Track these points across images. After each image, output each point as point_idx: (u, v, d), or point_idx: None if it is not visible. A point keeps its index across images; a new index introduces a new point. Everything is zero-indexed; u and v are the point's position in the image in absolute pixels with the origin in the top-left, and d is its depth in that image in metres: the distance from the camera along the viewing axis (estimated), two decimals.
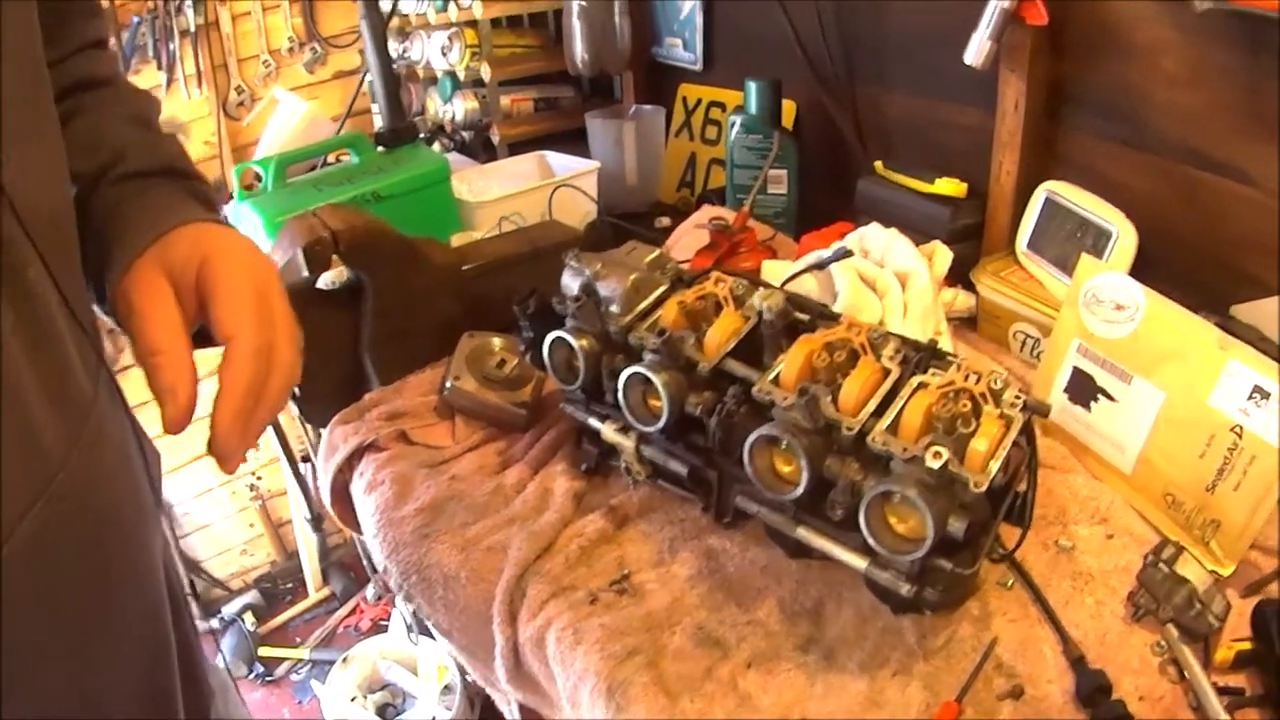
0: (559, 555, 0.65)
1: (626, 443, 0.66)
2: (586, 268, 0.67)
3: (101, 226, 0.47)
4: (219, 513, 2.14)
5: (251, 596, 2.15)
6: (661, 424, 0.60)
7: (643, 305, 0.65)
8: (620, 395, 0.62)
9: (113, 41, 1.70)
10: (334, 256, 0.82)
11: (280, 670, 2.03)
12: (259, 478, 2.15)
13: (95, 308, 0.47)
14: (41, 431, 0.37)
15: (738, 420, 0.57)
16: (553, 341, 0.66)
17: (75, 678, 0.42)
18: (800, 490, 0.53)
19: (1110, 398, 0.69)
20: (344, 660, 1.80)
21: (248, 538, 2.22)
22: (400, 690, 1.80)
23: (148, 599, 0.48)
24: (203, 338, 0.46)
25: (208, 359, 0.45)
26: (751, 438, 0.54)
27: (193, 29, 1.74)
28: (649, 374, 0.59)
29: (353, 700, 1.75)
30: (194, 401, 0.42)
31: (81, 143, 0.48)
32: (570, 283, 0.69)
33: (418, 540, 0.70)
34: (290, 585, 2.23)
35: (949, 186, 0.95)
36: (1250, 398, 0.59)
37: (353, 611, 2.14)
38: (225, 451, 0.42)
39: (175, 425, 0.41)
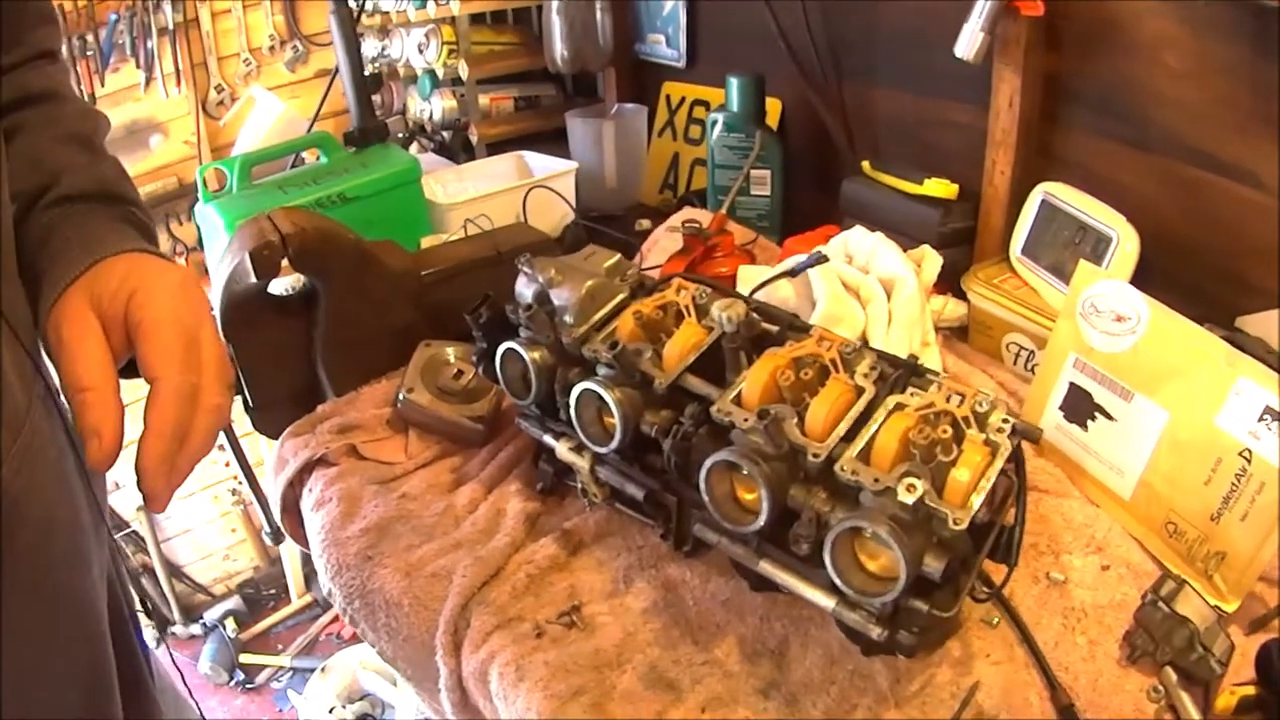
0: (506, 583, 0.60)
1: (581, 462, 0.61)
2: (540, 274, 0.62)
3: (35, 253, 0.47)
4: (201, 517, 2.11)
5: (234, 602, 2.12)
6: (615, 444, 0.55)
7: (599, 315, 0.60)
8: (572, 412, 0.57)
9: (90, 39, 1.67)
10: (284, 262, 0.77)
11: (261, 677, 2.00)
12: (241, 483, 2.12)
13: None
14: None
15: (695, 442, 0.52)
16: (504, 353, 0.62)
17: (12, 689, 0.41)
18: (761, 521, 0.48)
19: (1109, 416, 0.64)
20: (323, 670, 1.76)
21: (230, 543, 2.18)
22: (379, 700, 1.76)
23: (86, 618, 0.48)
24: (133, 368, 0.45)
25: (138, 387, 0.44)
26: (708, 463, 0.49)
27: (171, 26, 1.70)
28: (601, 390, 0.54)
29: (331, 711, 1.71)
30: (119, 441, 0.41)
31: (19, 162, 0.48)
32: (524, 290, 0.64)
33: (361, 563, 0.65)
34: (273, 591, 2.20)
35: (939, 188, 0.90)
36: (1261, 419, 0.54)
37: (335, 619, 2.10)
38: (151, 493, 0.42)
39: (100, 465, 0.41)
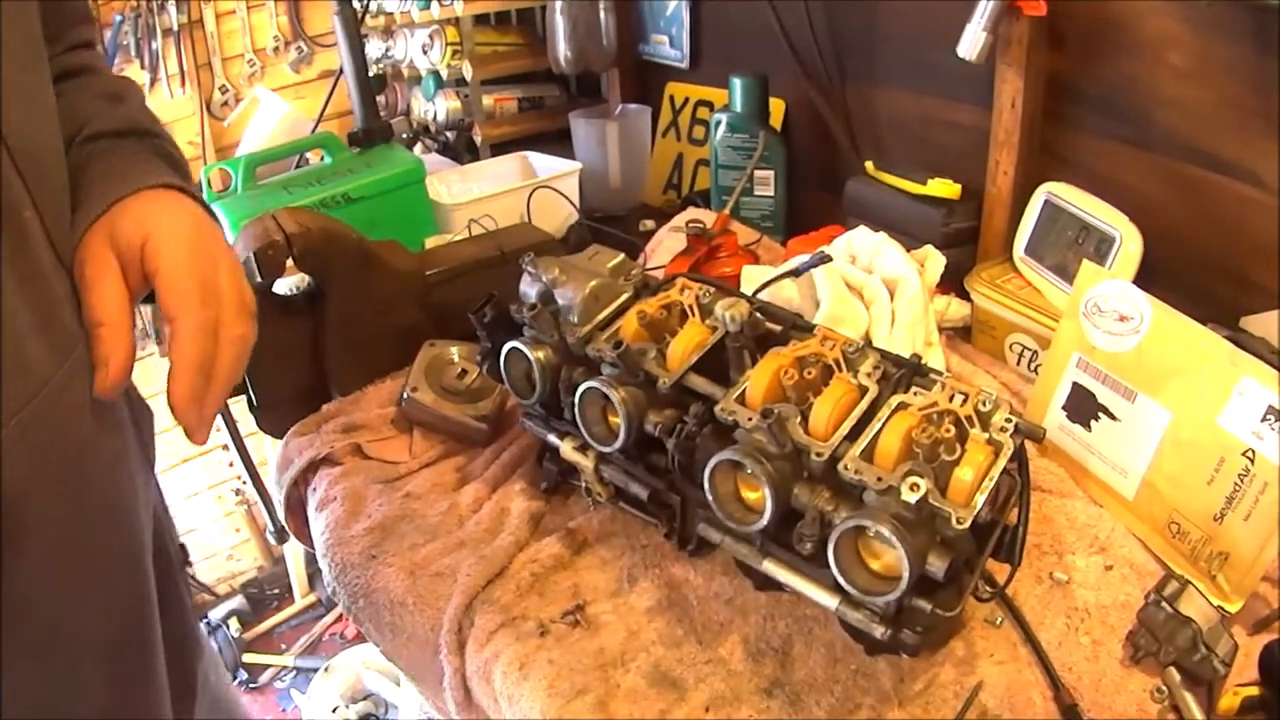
0: (511, 582, 0.60)
1: (586, 462, 0.61)
2: (544, 274, 0.62)
3: (73, 180, 0.49)
4: (205, 517, 2.12)
5: (237, 602, 2.12)
6: (619, 443, 0.55)
7: (603, 315, 0.61)
8: (576, 411, 0.57)
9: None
10: (288, 262, 0.78)
11: (264, 677, 2.00)
12: (245, 482, 2.12)
13: None
14: (31, 353, 0.41)
15: (699, 442, 0.53)
16: (509, 353, 0.62)
17: (55, 579, 0.44)
18: (765, 520, 0.48)
19: (1112, 416, 0.64)
20: (326, 669, 1.76)
21: (234, 543, 2.19)
22: (382, 700, 1.76)
23: (125, 536, 0.50)
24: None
25: None
26: (712, 462, 0.49)
27: (175, 27, 1.70)
28: (605, 390, 0.54)
29: (334, 710, 1.71)
30: (126, 371, 0.44)
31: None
32: (528, 290, 0.64)
33: (365, 562, 0.65)
34: (276, 591, 2.20)
35: (943, 188, 0.90)
36: (1264, 419, 0.54)
37: (339, 619, 2.10)
38: (187, 426, 0.45)
39: (105, 392, 0.44)
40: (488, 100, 1.43)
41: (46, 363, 0.42)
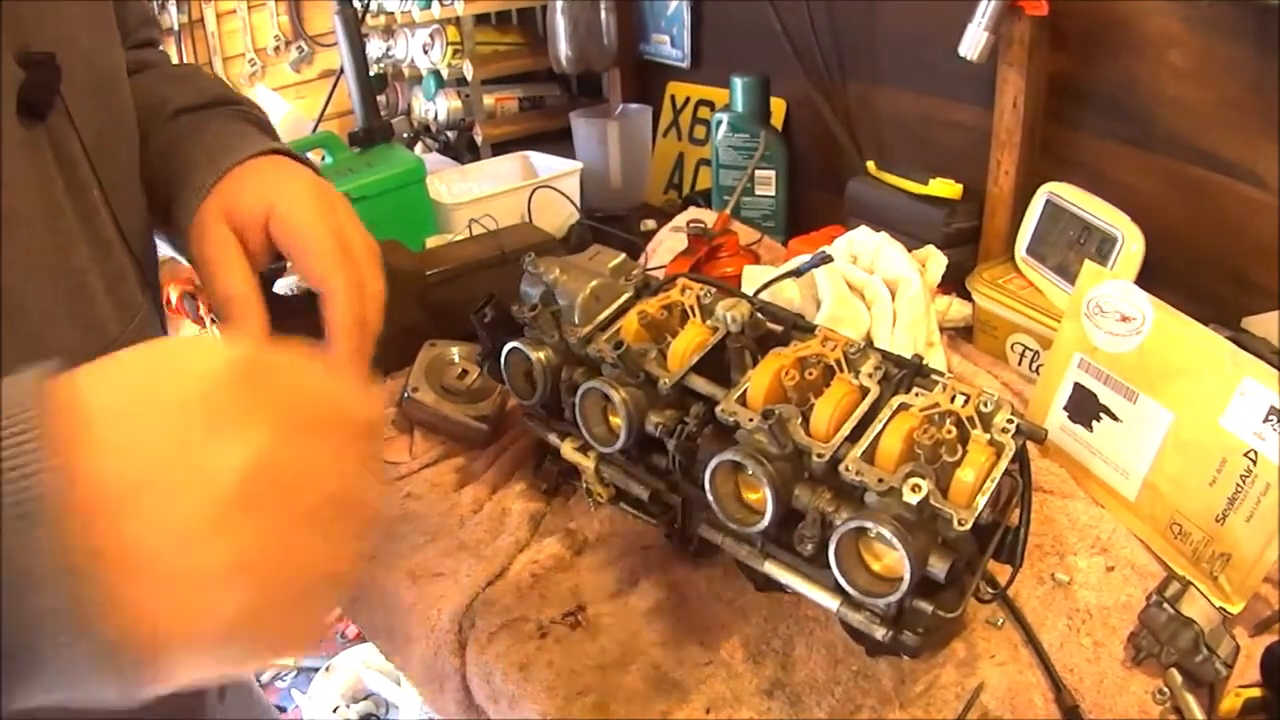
0: (510, 583, 0.60)
1: (586, 462, 0.61)
2: (545, 274, 0.62)
3: (164, 168, 0.49)
4: None
5: None
6: (620, 444, 0.55)
7: (603, 315, 0.60)
8: (577, 412, 0.57)
9: None
10: (288, 262, 0.77)
11: (265, 676, 2.00)
12: None
13: (172, 250, 0.52)
14: (102, 313, 0.42)
15: (700, 442, 0.52)
16: (509, 352, 0.62)
17: None
18: (766, 521, 0.48)
19: (1114, 417, 0.64)
20: (327, 669, 1.76)
21: None
22: (383, 700, 1.76)
23: None
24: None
25: None
26: (713, 462, 0.49)
27: (176, 27, 1.70)
28: (606, 390, 0.54)
29: (335, 710, 1.71)
30: (259, 309, 0.45)
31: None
32: (528, 290, 0.64)
33: (365, 562, 0.65)
34: None
35: (944, 188, 0.90)
36: (1266, 420, 0.53)
37: (339, 618, 2.10)
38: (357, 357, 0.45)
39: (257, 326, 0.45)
40: (488, 100, 1.43)
41: (114, 322, 0.43)
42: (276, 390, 0.28)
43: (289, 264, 0.48)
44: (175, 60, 1.69)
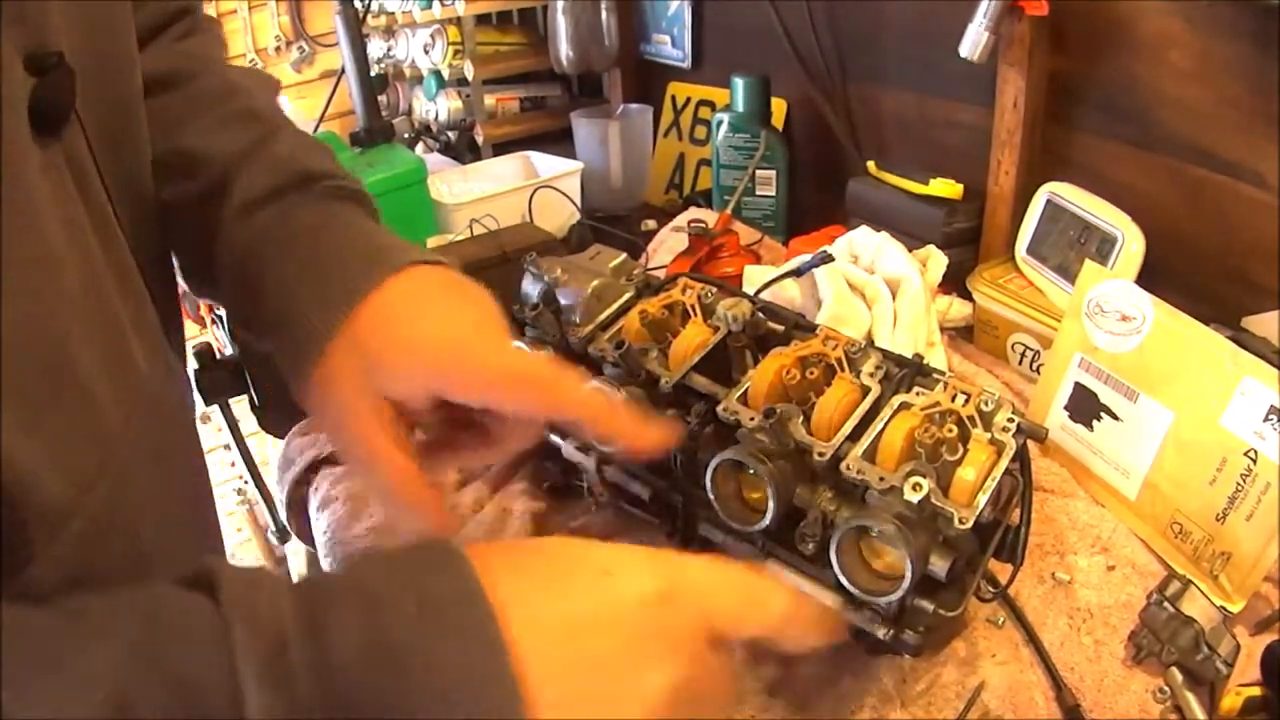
0: None
1: (588, 462, 0.61)
2: (546, 273, 0.62)
3: (252, 281, 0.39)
4: None
5: None
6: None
7: (605, 314, 0.61)
8: None
9: None
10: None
11: None
12: (246, 482, 2.12)
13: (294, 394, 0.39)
14: (131, 347, 0.35)
15: (701, 441, 0.52)
16: None
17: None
18: (768, 520, 0.48)
19: (1114, 416, 0.64)
20: None
21: (236, 542, 2.19)
22: None
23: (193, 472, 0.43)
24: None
25: None
26: (714, 461, 0.49)
27: None
28: (607, 390, 0.54)
29: None
30: (443, 503, 0.37)
31: (172, 162, 0.41)
32: (529, 289, 0.64)
33: None
34: None
35: (945, 188, 0.90)
36: (1266, 419, 0.53)
37: None
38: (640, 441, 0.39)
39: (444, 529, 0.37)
40: (489, 100, 1.43)
41: (142, 357, 0.36)
42: (693, 616, 0.30)
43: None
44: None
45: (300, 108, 1.73)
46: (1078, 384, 0.66)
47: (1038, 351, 0.79)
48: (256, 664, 0.23)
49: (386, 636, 0.24)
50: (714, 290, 0.60)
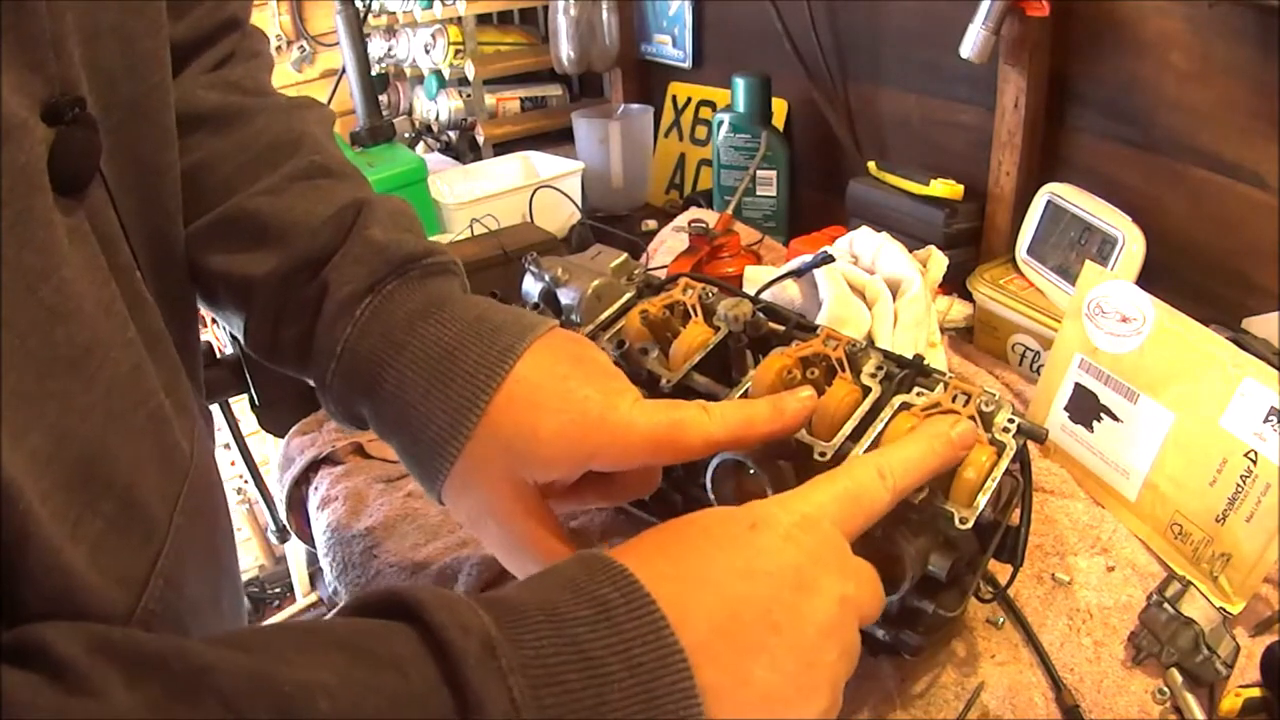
0: (513, 582, 0.60)
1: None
2: (547, 273, 0.62)
3: (365, 382, 0.37)
4: None
5: None
6: None
7: (605, 314, 0.61)
8: None
9: None
10: None
11: None
12: (246, 481, 2.12)
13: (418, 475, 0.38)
14: (172, 428, 0.33)
15: None
16: None
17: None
18: None
19: (1115, 417, 0.64)
20: None
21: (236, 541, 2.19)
22: None
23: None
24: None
25: None
26: (715, 462, 0.49)
27: None
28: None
29: None
30: None
31: (237, 224, 0.38)
32: (530, 289, 0.64)
33: (366, 561, 0.66)
34: (278, 590, 2.20)
35: (945, 188, 0.90)
36: (1266, 420, 0.54)
37: None
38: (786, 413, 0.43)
39: None
40: (490, 100, 1.43)
41: (182, 435, 0.34)
42: (830, 532, 0.33)
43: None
44: None
45: None
46: (1078, 385, 0.66)
47: (1038, 352, 0.79)
48: (475, 665, 0.23)
49: (575, 644, 0.25)
50: (715, 290, 0.60)
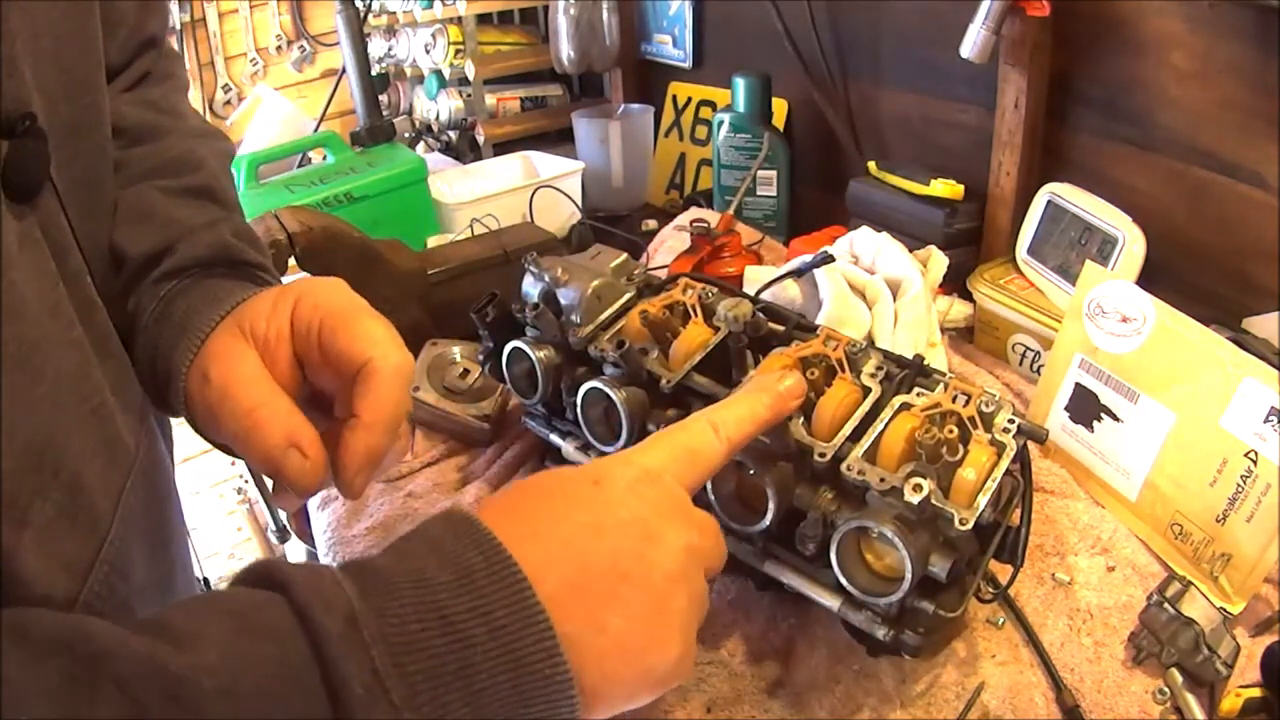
0: None
1: (587, 462, 0.61)
2: (546, 273, 0.62)
3: (152, 327, 0.40)
4: (207, 515, 2.12)
5: None
6: (620, 444, 0.55)
7: (605, 314, 0.61)
8: (579, 412, 0.57)
9: None
10: (291, 261, 0.78)
11: None
12: (246, 481, 2.12)
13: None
14: (119, 423, 0.35)
15: None
16: (510, 352, 0.62)
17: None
18: (768, 521, 0.48)
19: (1115, 417, 0.64)
20: None
21: (236, 541, 2.19)
22: None
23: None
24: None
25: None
26: None
27: (178, 26, 1.71)
28: (607, 390, 0.54)
29: None
30: (321, 448, 0.36)
31: (126, 213, 0.41)
32: (530, 289, 0.64)
33: None
34: None
35: (945, 188, 0.90)
36: (1266, 420, 0.53)
37: None
38: (355, 487, 0.36)
39: (307, 485, 0.35)
40: (490, 99, 1.43)
41: (129, 432, 0.36)
42: (671, 485, 0.35)
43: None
44: (182, 55, 1.70)
45: (301, 107, 1.73)
46: (1078, 385, 0.66)
47: (1038, 352, 0.79)
48: (338, 639, 0.25)
49: (438, 610, 0.26)
50: (715, 290, 0.60)
